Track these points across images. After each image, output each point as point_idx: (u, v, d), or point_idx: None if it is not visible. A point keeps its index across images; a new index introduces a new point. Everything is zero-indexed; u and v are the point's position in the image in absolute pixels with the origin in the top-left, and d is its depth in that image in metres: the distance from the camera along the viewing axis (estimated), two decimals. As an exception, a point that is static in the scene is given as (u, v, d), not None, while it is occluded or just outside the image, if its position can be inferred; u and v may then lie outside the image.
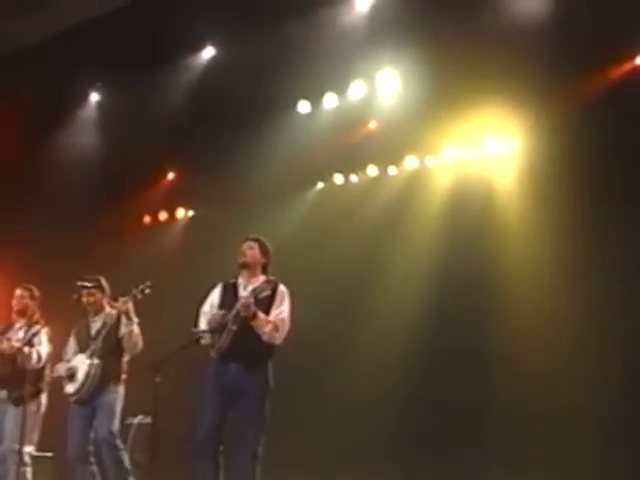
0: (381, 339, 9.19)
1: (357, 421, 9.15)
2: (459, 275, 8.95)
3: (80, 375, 6.70)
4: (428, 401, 8.85)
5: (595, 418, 7.87)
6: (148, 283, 6.59)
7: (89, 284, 6.88)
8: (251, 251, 6.20)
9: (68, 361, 6.90)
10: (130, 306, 6.64)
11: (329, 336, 9.50)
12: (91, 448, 6.68)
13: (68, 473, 6.79)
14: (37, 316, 7.34)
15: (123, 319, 6.72)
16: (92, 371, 6.67)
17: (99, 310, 6.95)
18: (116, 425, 6.74)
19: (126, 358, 6.87)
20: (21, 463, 6.79)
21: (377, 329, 9.24)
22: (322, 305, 9.35)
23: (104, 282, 7.02)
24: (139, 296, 6.60)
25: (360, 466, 8.77)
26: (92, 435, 6.70)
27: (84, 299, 6.90)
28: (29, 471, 7.02)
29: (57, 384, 7.01)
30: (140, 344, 6.77)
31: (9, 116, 10.45)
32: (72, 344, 7.02)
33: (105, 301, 6.99)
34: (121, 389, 6.82)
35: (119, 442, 6.71)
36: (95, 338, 6.82)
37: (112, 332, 6.77)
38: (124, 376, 6.85)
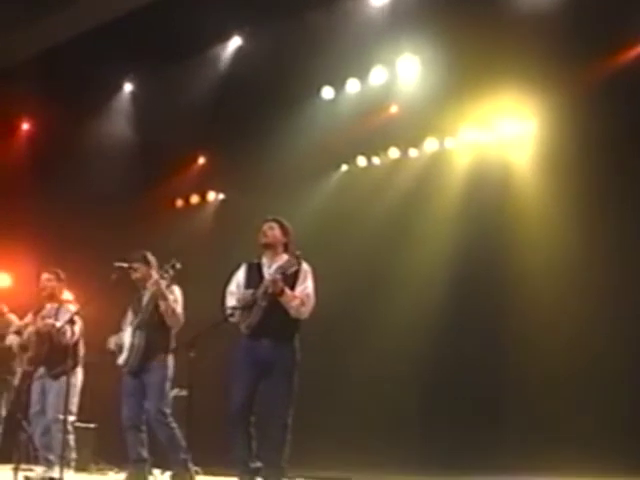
0: (402, 317, 9.41)
1: (378, 396, 9.44)
2: (478, 253, 9.16)
3: (126, 346, 6.77)
4: (447, 378, 9.10)
5: (615, 396, 8.11)
6: (177, 259, 6.59)
7: (124, 264, 6.84)
8: (272, 231, 6.29)
9: (122, 332, 6.94)
10: (161, 284, 6.64)
11: (353, 314, 9.77)
12: (144, 417, 6.67)
13: (121, 440, 6.82)
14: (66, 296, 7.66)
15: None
16: (136, 342, 6.69)
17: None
18: (166, 403, 6.67)
19: (174, 330, 6.81)
20: (65, 431, 6.95)
21: (398, 307, 9.48)
22: (346, 283, 9.60)
23: (150, 256, 7.01)
24: (170, 271, 6.59)
25: (380, 438, 9.06)
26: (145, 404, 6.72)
27: (132, 277, 6.92)
28: (72, 439, 7.34)
29: (104, 358, 7.10)
30: (181, 318, 6.76)
31: (49, 106, 10.74)
32: (129, 316, 7.02)
33: (153, 273, 6.94)
34: (170, 361, 6.75)
35: (170, 420, 6.62)
36: (143, 311, 6.83)
37: (157, 305, 6.73)
38: (173, 346, 6.78)
